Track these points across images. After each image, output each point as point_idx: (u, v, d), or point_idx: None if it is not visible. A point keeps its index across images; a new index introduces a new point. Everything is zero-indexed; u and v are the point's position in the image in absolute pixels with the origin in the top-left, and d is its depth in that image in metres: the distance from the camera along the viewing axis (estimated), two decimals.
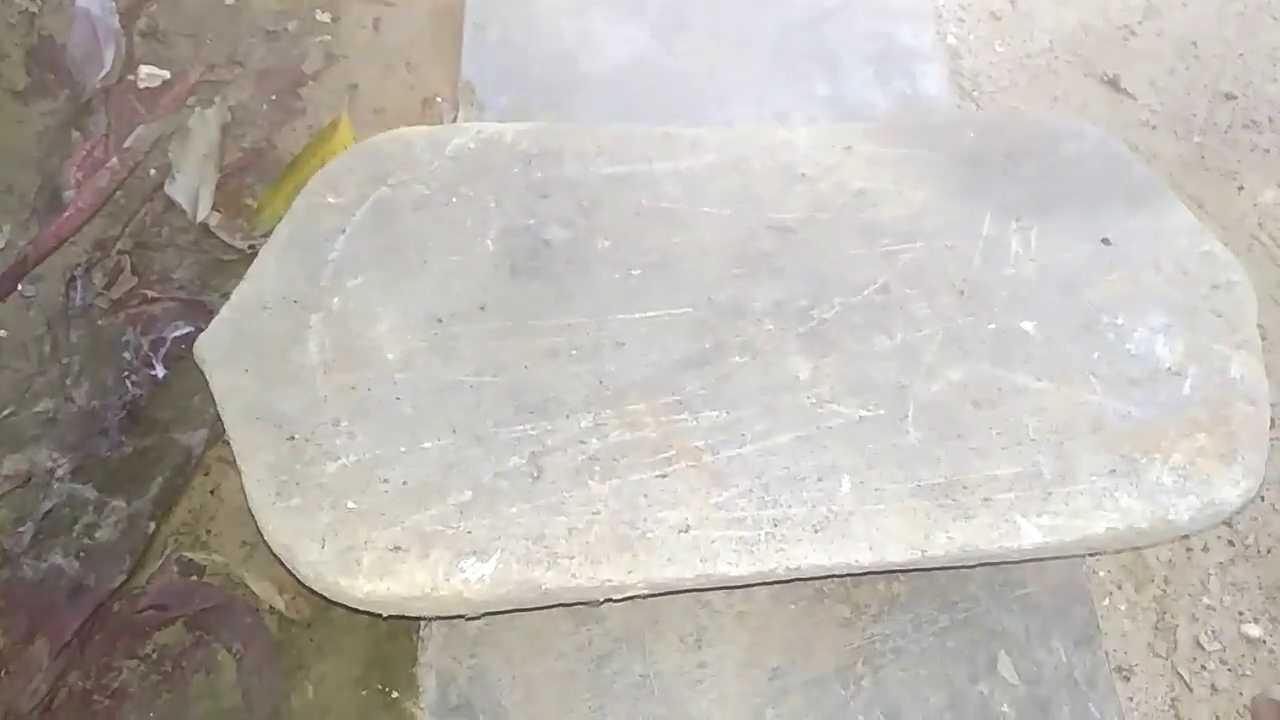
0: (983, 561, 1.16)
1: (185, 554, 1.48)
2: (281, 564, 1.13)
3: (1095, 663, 1.38)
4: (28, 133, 1.90)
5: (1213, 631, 1.46)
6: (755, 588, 1.40)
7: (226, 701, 1.35)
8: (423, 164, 1.32)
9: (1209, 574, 1.51)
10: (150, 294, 1.75)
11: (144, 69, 2.00)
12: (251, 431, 1.11)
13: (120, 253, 1.79)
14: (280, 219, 1.30)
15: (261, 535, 1.10)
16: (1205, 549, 1.52)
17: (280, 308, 1.20)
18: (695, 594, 1.40)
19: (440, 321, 1.20)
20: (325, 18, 2.06)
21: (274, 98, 1.97)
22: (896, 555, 1.10)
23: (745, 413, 1.17)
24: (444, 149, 1.34)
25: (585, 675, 1.34)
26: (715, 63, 1.83)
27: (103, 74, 1.99)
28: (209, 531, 1.50)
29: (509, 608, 1.12)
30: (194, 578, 1.46)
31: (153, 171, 1.88)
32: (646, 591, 1.10)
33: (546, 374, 1.17)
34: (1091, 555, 1.24)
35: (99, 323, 1.71)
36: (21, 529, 1.46)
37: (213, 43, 2.05)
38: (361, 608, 1.08)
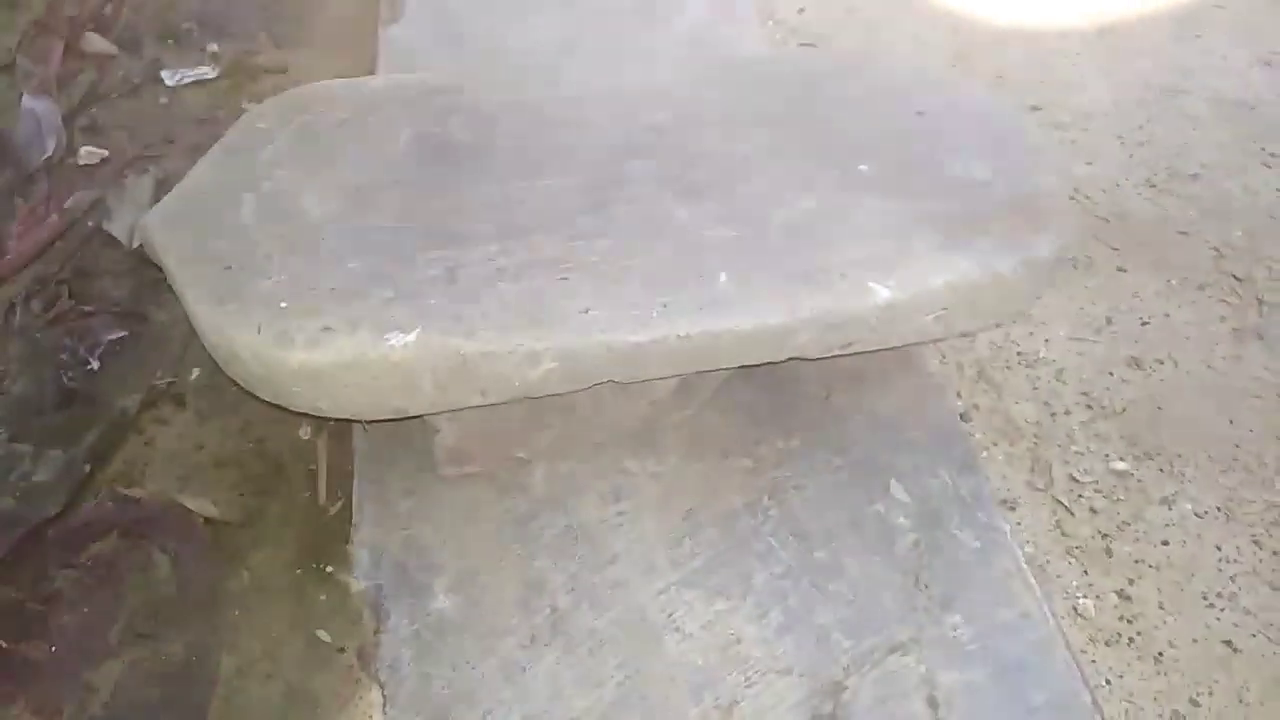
0: (848, 335, 1.31)
1: (120, 489, 1.54)
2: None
3: (978, 484, 1.51)
4: None
5: (1084, 469, 1.61)
6: (665, 451, 1.52)
7: (162, 593, 1.39)
8: (341, 99, 1.53)
9: (1073, 430, 1.67)
10: (87, 308, 1.88)
11: (84, 149, 2.22)
12: (192, 267, 1.25)
13: (59, 282, 1.93)
14: None
15: (203, 339, 1.21)
16: (1067, 412, 1.70)
17: (217, 191, 1.36)
18: (611, 460, 1.51)
19: (359, 190, 1.37)
20: (252, 107, 2.32)
21: None
22: (773, 319, 1.26)
23: (633, 241, 1.34)
24: (360, 89, 1.56)
25: (513, 532, 1.43)
26: None
27: (45, 157, 2.20)
28: (143, 475, 1.57)
29: (435, 387, 1.22)
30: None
31: (90, 224, 2.06)
32: (556, 364, 1.22)
33: (457, 220, 1.34)
34: (938, 330, 1.36)
35: (36, 335, 1.83)
36: None
37: (147, 130, 2.29)
38: (295, 384, 1.18)
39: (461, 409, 1.31)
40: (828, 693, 1.26)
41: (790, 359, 1.35)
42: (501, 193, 1.39)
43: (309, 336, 1.17)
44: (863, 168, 1.45)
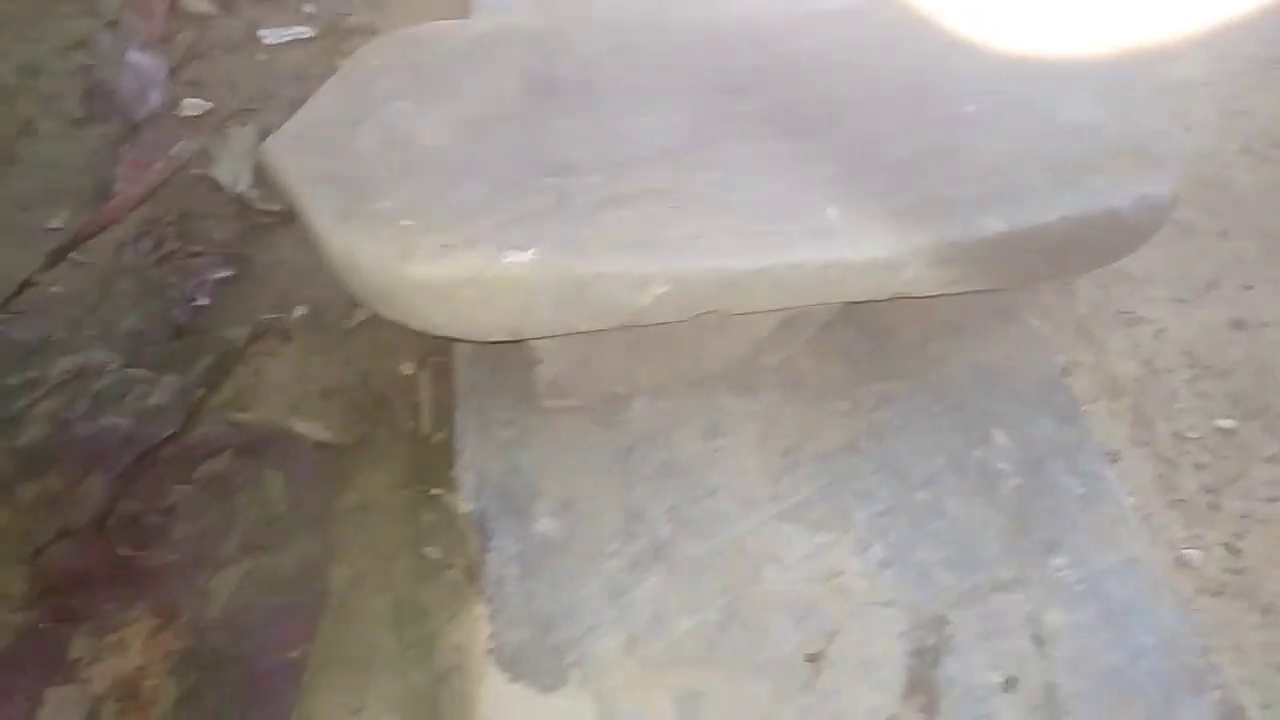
0: (957, 270, 1.30)
1: (233, 415, 1.58)
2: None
3: (1081, 434, 1.49)
4: (83, 149, 2.15)
5: (1189, 426, 1.58)
6: (763, 390, 1.52)
7: (274, 509, 1.43)
8: (450, 39, 1.56)
9: (1177, 388, 1.64)
10: (194, 249, 1.94)
11: (187, 101, 2.28)
12: (314, 186, 1.28)
13: (167, 224, 1.99)
14: None
15: (324, 254, 1.24)
16: (1169, 370, 1.66)
17: (334, 120, 1.39)
18: (709, 398, 1.52)
19: (470, 122, 1.39)
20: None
21: None
22: (881, 251, 1.26)
23: (741, 174, 1.35)
24: (467, 31, 1.59)
25: (613, 463, 1.44)
26: None
27: (149, 109, 2.27)
28: (252, 403, 1.61)
29: (550, 308, 1.23)
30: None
31: (195, 171, 2.11)
32: (666, 288, 1.23)
33: (567, 151, 1.36)
34: (1048, 270, 1.35)
35: (146, 273, 1.88)
36: (76, 403, 1.58)
37: (247, 86, 2.35)
38: (416, 298, 1.20)
39: (569, 334, 1.33)
40: (931, 626, 1.26)
41: (895, 297, 1.35)
42: (609, 128, 1.41)
43: (430, 251, 1.19)
44: (969, 109, 1.44)
